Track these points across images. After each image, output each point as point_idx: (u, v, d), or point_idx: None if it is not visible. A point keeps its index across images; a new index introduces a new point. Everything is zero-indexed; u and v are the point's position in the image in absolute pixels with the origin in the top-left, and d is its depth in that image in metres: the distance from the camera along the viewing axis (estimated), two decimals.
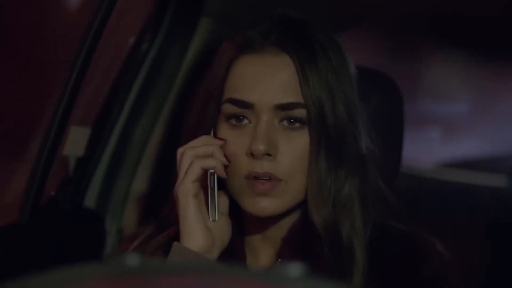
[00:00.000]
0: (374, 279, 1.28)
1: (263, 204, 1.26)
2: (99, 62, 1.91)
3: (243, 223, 1.34)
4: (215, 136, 1.30)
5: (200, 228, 1.26)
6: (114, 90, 2.02)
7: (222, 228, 1.29)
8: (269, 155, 1.25)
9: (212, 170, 1.26)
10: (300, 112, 1.26)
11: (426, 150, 2.56)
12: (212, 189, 1.27)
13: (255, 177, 1.25)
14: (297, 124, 1.27)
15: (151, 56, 2.05)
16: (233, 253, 1.32)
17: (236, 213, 1.33)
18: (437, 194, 2.21)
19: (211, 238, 1.27)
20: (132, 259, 0.58)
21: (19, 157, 1.93)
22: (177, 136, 1.36)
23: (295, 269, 0.58)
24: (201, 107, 1.32)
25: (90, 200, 2.05)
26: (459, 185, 2.28)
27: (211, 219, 1.28)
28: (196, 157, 1.26)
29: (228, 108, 1.28)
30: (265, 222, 1.32)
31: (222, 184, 1.30)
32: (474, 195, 2.20)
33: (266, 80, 1.27)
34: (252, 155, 1.25)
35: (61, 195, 1.95)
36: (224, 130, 1.29)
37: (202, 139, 1.28)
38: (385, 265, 1.29)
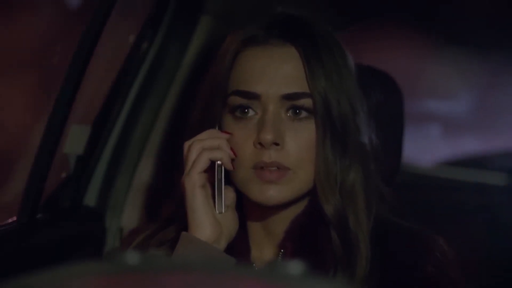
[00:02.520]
0: (376, 273, 1.28)
1: (271, 193, 1.26)
2: (99, 61, 1.91)
3: (246, 216, 1.35)
4: (220, 130, 1.31)
5: (208, 219, 1.27)
6: (114, 89, 2.02)
7: (229, 220, 1.30)
8: (277, 144, 1.26)
9: (219, 162, 1.27)
10: (306, 102, 1.28)
11: (427, 148, 2.56)
12: (220, 181, 1.28)
13: (262, 167, 1.26)
14: (303, 114, 1.28)
15: (151, 55, 2.05)
16: (237, 246, 1.32)
17: (239, 207, 1.33)
18: (437, 192, 2.21)
19: (219, 228, 1.27)
20: (132, 257, 0.58)
21: (19, 156, 1.93)
22: (177, 134, 1.37)
23: (295, 267, 0.58)
24: (206, 102, 1.33)
25: (90, 198, 2.04)
26: (459, 183, 2.28)
27: (217, 212, 1.28)
28: (203, 149, 1.27)
29: (234, 100, 1.29)
30: (268, 215, 1.33)
31: (227, 178, 1.30)
32: (474, 193, 2.20)
33: (272, 71, 1.28)
34: (259, 145, 1.26)
35: (61, 193, 1.95)
36: (230, 122, 1.30)
37: (209, 133, 1.29)
38: (388, 260, 1.29)
